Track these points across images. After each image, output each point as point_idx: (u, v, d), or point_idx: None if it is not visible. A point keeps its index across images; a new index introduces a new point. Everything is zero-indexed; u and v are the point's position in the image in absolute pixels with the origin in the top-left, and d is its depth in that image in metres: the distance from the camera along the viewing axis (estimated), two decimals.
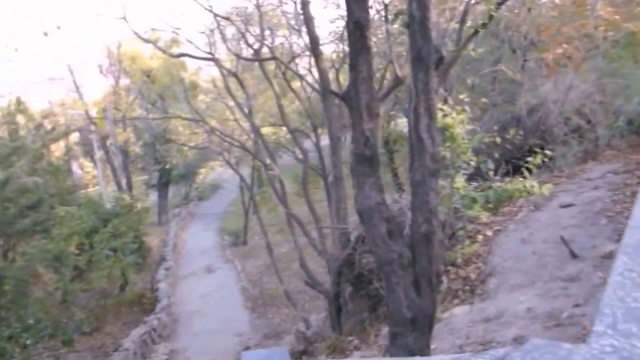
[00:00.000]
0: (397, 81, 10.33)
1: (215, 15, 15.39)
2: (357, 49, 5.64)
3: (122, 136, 38.61)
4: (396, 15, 7.80)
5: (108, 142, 40.85)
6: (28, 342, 17.72)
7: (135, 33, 15.55)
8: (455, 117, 6.43)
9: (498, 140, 6.81)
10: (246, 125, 22.48)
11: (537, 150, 7.31)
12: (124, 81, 41.43)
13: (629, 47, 16.47)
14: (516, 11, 15.68)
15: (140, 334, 21.23)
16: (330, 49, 18.27)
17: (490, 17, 10.67)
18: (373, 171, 6.00)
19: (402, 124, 28.91)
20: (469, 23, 13.11)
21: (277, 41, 18.83)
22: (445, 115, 6.50)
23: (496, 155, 7.40)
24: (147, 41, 18.08)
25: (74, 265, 23.47)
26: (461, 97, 7.19)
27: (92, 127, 38.75)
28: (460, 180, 6.27)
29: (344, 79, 16.90)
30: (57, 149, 42.77)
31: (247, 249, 33.56)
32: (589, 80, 13.78)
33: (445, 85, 17.74)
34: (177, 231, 38.09)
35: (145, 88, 38.21)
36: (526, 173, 6.97)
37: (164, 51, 19.62)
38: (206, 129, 19.69)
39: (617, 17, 12.36)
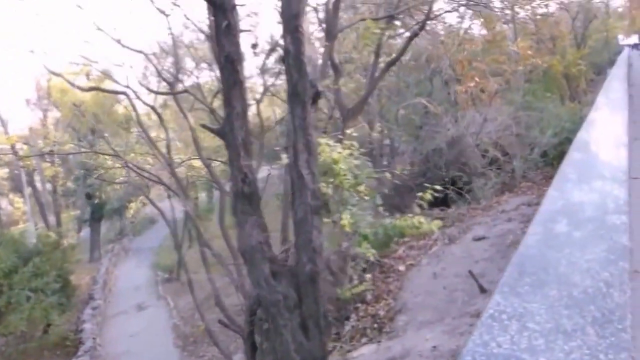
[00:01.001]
0: None
1: (124, 46, 15.00)
2: (229, 84, 5.37)
3: (50, 171, 37.32)
4: (271, 50, 7.59)
5: (37, 178, 39.57)
6: None
7: (46, 67, 15.05)
8: (341, 152, 6.21)
9: (388, 175, 6.60)
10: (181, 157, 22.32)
11: (428, 185, 7.11)
12: (55, 114, 40.37)
13: (548, 81, 16.84)
14: (439, 44, 15.82)
15: None
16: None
17: (401, 53, 10.61)
18: (253, 209, 5.71)
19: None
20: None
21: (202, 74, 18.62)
22: (332, 151, 6.29)
23: (385, 190, 7.17)
24: (56, 74, 17.52)
25: None
26: (348, 131, 6.99)
27: (20, 162, 37.43)
28: (346, 217, 6.02)
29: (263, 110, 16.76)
30: None
31: (180, 285, 32.63)
32: (507, 113, 13.93)
33: (369, 117, 17.79)
34: (109, 268, 36.87)
35: (76, 121, 37.22)
36: (416, 208, 6.76)
37: (72, 84, 19.02)
38: (122, 163, 19.10)
39: (529, 52, 12.54)
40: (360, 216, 6.73)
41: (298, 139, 5.35)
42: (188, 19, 14.57)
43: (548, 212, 5.32)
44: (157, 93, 18.04)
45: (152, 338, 25.76)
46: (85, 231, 42.81)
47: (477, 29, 20.14)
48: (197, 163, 26.80)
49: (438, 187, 7.24)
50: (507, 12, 16.36)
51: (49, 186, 41.49)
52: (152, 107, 17.41)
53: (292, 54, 5.26)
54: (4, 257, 23.70)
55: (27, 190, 40.66)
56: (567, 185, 5.97)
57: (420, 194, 7.07)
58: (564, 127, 12.76)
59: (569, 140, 12.50)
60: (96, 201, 37.03)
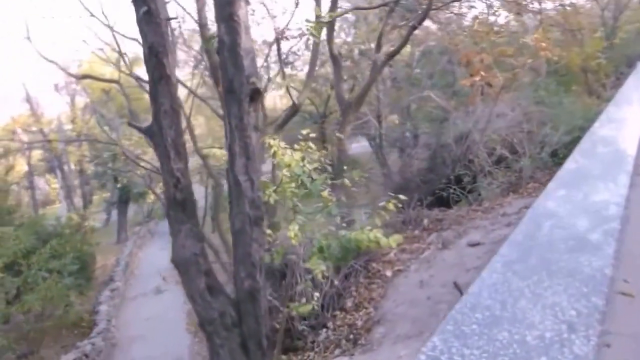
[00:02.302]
0: (294, 109, 9.66)
1: (115, 32, 14.67)
2: (155, 78, 4.85)
3: (77, 154, 37.67)
4: (208, 40, 7.01)
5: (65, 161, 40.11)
6: None
7: (40, 54, 14.88)
8: (291, 155, 5.65)
9: (347, 182, 6.04)
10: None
11: (393, 196, 6.48)
12: (84, 99, 40.68)
13: (567, 75, 16.00)
14: (458, 38, 15.18)
15: None
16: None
17: (402, 45, 10.03)
18: (187, 217, 5.22)
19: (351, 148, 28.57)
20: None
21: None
22: (284, 154, 5.73)
23: (343, 198, 6.54)
24: (50, 61, 17.39)
25: (16, 286, 22.56)
26: (304, 131, 6.42)
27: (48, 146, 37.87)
28: (294, 229, 5.48)
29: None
30: (19, 166, 42.15)
31: None
32: (518, 109, 13.18)
33: (378, 110, 17.20)
34: (133, 250, 37.02)
35: (104, 106, 37.39)
36: (377, 220, 6.19)
37: (64, 70, 18.86)
38: (120, 151, 18.90)
39: (543, 44, 11.75)
40: (315, 227, 6.19)
41: (234, 141, 4.85)
42: (184, 8, 14.13)
43: (528, 227, 4.67)
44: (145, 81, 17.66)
45: (165, 322, 25.65)
46: (115, 213, 43.12)
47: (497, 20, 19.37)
48: (217, 152, 26.57)
49: (402, 197, 6.60)
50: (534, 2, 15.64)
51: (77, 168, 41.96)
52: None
53: (227, 45, 4.74)
54: (24, 238, 23.94)
55: (60, 173, 41.32)
56: (559, 193, 5.31)
57: (382, 203, 6.46)
58: (576, 125, 12.00)
59: (580, 139, 11.70)
60: (118, 185, 37.15)
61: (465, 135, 13.19)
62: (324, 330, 8.44)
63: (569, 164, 5.86)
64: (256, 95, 4.84)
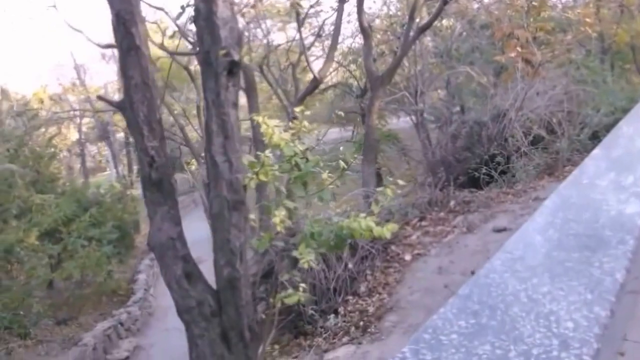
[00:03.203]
0: (315, 83, 9.24)
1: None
2: (124, 50, 4.48)
3: (123, 123, 38.13)
4: (182, 8, 6.59)
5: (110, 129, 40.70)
6: None
7: (67, 23, 14.82)
8: (281, 134, 5.21)
9: (343, 164, 5.59)
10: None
11: (392, 181, 5.97)
12: None
13: (620, 54, 15.14)
14: (495, 12, 14.43)
15: (104, 328, 20.33)
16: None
17: (434, 18, 9.46)
18: (164, 198, 4.88)
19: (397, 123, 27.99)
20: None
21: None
22: (274, 132, 5.29)
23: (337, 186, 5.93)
24: (76, 30, 17.31)
25: (57, 253, 23.02)
26: (297, 110, 5.99)
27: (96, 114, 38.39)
28: (280, 214, 5.08)
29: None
30: (70, 133, 42.96)
31: None
32: (559, 87, 12.42)
33: (416, 85, 16.60)
34: None
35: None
36: (374, 207, 5.74)
37: (91, 40, 18.79)
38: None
39: (587, 19, 10.94)
40: (310, 212, 5.80)
41: (211, 118, 4.46)
42: None
43: (541, 220, 4.16)
44: (173, 54, 17.49)
45: None
46: None
47: None
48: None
49: (401, 182, 6.13)
50: None
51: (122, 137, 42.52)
52: (185, 67, 16.97)
53: (202, 14, 4.34)
54: (64, 206, 24.28)
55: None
56: (581, 181, 4.78)
57: (380, 189, 5.96)
58: (619, 106, 11.21)
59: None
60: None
61: (503, 113, 12.53)
62: (333, 315, 8.12)
63: (599, 150, 5.35)
64: (235, 68, 4.42)
